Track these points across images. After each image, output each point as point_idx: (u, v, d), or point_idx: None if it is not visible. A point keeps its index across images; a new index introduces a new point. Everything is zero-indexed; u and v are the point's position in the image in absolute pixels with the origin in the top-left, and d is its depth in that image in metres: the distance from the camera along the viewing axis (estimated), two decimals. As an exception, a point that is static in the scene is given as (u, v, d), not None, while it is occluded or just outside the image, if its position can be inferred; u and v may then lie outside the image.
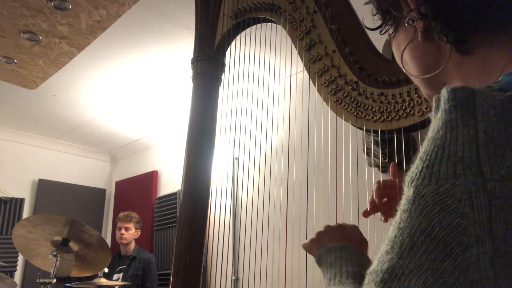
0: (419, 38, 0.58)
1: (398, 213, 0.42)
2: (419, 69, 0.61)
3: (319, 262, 0.77)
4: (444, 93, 0.43)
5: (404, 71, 0.64)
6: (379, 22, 0.64)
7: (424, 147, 0.42)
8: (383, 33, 0.64)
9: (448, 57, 0.56)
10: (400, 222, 0.41)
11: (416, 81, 0.64)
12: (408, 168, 0.44)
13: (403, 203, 0.42)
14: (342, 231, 0.82)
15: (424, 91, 0.64)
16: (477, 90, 0.42)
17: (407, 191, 0.42)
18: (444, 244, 0.37)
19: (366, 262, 0.74)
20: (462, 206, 0.37)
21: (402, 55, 0.61)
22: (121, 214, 3.96)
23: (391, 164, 0.95)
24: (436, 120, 0.43)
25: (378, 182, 0.91)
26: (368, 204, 0.93)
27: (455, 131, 0.40)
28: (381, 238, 0.44)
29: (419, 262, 0.38)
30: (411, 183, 0.41)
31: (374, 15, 0.63)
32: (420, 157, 0.42)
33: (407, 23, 0.58)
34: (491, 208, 0.36)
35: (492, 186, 0.37)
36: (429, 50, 0.59)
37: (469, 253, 0.36)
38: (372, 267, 0.42)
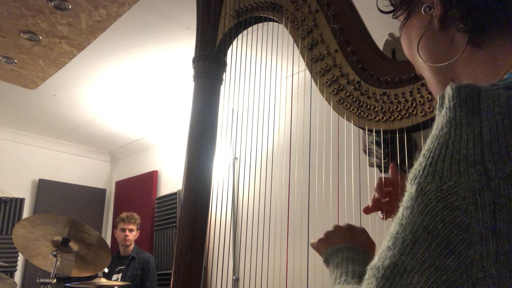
0: (434, 26, 0.57)
1: (400, 209, 0.42)
2: (429, 59, 0.60)
3: (327, 262, 0.77)
4: (448, 90, 0.43)
5: (410, 59, 0.63)
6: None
7: (427, 145, 0.42)
8: (395, 18, 0.62)
9: (464, 47, 0.55)
10: (402, 219, 0.41)
11: (425, 70, 0.62)
12: (409, 168, 0.44)
13: (406, 199, 0.42)
14: (351, 232, 0.81)
15: (431, 83, 0.63)
16: (482, 88, 0.41)
17: (410, 188, 0.42)
18: (447, 242, 0.37)
19: None
20: (465, 203, 0.37)
21: (418, 43, 0.60)
22: (124, 215, 3.92)
23: (390, 165, 0.95)
24: (440, 117, 0.43)
25: (380, 178, 0.91)
26: (370, 201, 0.93)
27: (459, 129, 0.40)
28: (382, 237, 0.44)
29: (421, 259, 0.38)
30: (414, 180, 0.41)
31: None
32: (424, 154, 0.42)
33: (424, 10, 0.57)
34: (495, 206, 0.36)
35: (496, 184, 0.37)
36: (442, 41, 0.58)
37: (472, 251, 0.36)
38: (373, 263, 0.42)
